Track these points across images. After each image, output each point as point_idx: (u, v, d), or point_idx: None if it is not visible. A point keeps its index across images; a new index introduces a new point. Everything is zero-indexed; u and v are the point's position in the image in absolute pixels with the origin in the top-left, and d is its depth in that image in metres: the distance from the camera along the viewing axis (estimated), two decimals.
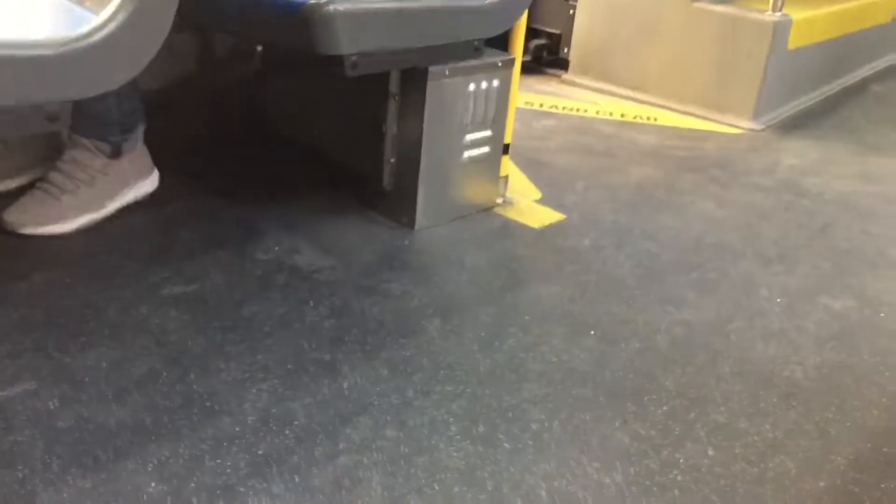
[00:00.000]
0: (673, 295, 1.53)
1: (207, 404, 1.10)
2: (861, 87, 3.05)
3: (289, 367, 1.19)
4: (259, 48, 1.95)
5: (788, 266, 1.69)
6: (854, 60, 3.09)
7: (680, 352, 1.35)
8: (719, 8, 2.55)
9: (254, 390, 1.13)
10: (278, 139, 1.94)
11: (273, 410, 1.10)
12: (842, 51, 2.96)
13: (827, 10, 2.76)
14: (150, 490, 0.95)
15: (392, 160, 1.65)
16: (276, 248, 1.53)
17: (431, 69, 1.55)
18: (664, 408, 1.20)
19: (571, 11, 2.81)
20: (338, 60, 1.37)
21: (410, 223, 1.66)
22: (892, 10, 3.22)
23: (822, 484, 1.08)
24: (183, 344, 1.22)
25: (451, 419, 1.12)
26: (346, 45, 1.35)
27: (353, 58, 1.38)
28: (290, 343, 1.25)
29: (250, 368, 1.18)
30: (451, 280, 1.50)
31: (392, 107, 1.61)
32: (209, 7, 1.47)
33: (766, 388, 1.27)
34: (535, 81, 2.80)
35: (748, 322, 1.46)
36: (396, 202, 1.68)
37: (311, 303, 1.36)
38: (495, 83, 1.68)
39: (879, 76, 3.20)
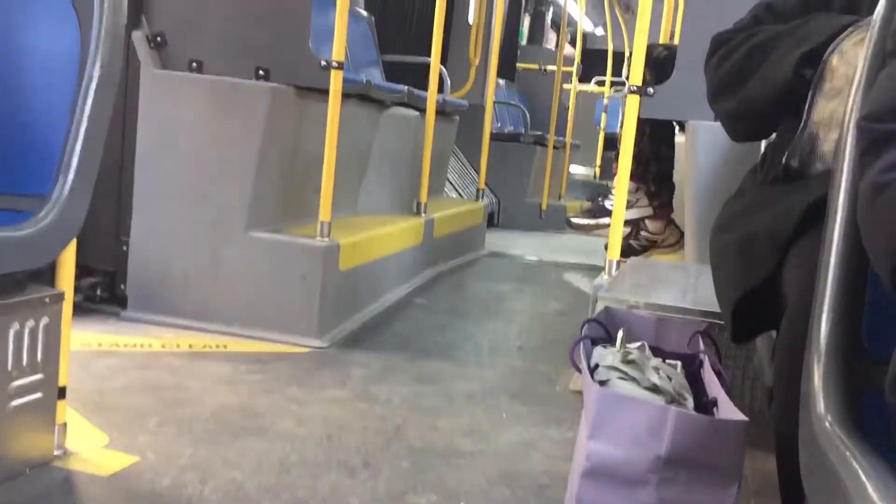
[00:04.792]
0: None
1: None
2: (407, 300, 3.39)
3: None
4: None
5: (373, 472, 1.72)
6: (399, 278, 3.45)
7: None
8: (273, 236, 2.68)
9: None
10: None
11: None
12: (388, 269, 3.28)
13: (369, 234, 3.06)
14: None
15: None
16: None
17: None
18: None
19: (125, 248, 2.73)
20: None
21: None
22: (422, 234, 3.69)
23: None
24: None
25: None
26: None
27: None
28: None
29: None
30: None
31: None
32: None
33: None
34: (91, 321, 2.61)
35: None
36: None
37: None
38: (44, 321, 1.52)
39: (419, 290, 3.59)
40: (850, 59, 1.22)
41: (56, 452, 1.60)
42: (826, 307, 0.92)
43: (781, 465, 1.01)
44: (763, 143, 2.02)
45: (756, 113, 1.44)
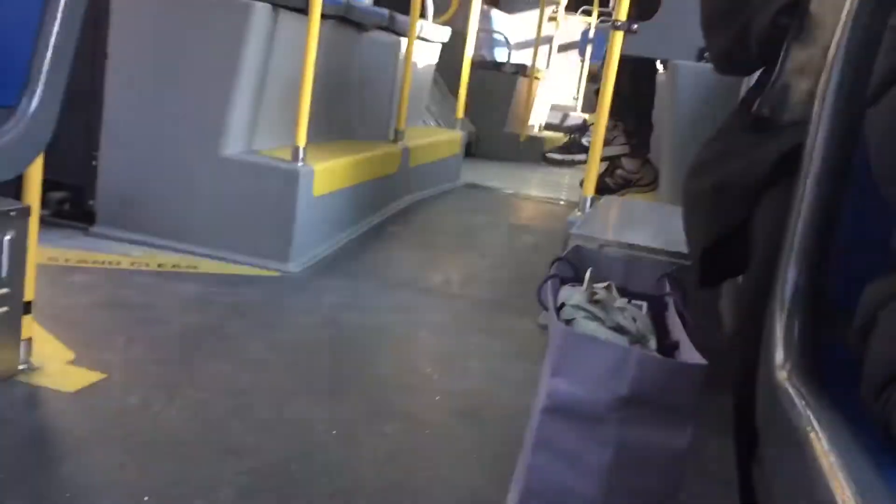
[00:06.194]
0: (233, 443, 1.46)
1: None
2: (380, 228, 3.38)
3: None
4: None
5: (340, 398, 1.74)
6: (372, 206, 3.43)
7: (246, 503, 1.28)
8: (247, 158, 2.65)
9: None
10: None
11: None
12: (362, 197, 3.26)
13: (345, 160, 3.03)
14: None
15: None
16: None
17: None
18: None
19: (94, 163, 2.68)
20: None
21: None
22: (398, 162, 3.66)
23: None
24: None
25: None
26: None
27: None
28: None
29: None
30: None
31: None
32: None
33: None
34: (59, 236, 2.58)
35: (309, 459, 1.45)
36: None
37: None
38: (9, 235, 1.50)
39: (393, 219, 3.58)
40: (829, 5, 1.20)
41: (21, 367, 1.60)
42: (793, 256, 0.93)
43: (737, 412, 1.04)
44: (743, 88, 2.01)
45: (738, 58, 1.43)
